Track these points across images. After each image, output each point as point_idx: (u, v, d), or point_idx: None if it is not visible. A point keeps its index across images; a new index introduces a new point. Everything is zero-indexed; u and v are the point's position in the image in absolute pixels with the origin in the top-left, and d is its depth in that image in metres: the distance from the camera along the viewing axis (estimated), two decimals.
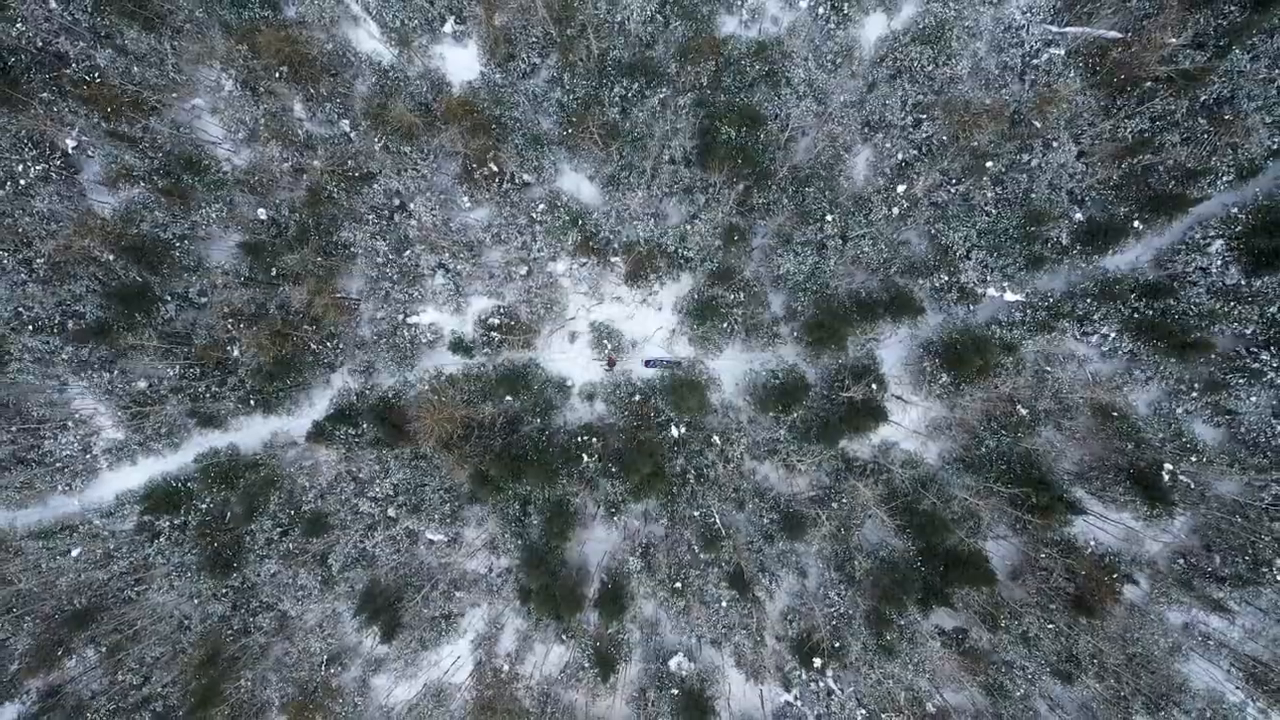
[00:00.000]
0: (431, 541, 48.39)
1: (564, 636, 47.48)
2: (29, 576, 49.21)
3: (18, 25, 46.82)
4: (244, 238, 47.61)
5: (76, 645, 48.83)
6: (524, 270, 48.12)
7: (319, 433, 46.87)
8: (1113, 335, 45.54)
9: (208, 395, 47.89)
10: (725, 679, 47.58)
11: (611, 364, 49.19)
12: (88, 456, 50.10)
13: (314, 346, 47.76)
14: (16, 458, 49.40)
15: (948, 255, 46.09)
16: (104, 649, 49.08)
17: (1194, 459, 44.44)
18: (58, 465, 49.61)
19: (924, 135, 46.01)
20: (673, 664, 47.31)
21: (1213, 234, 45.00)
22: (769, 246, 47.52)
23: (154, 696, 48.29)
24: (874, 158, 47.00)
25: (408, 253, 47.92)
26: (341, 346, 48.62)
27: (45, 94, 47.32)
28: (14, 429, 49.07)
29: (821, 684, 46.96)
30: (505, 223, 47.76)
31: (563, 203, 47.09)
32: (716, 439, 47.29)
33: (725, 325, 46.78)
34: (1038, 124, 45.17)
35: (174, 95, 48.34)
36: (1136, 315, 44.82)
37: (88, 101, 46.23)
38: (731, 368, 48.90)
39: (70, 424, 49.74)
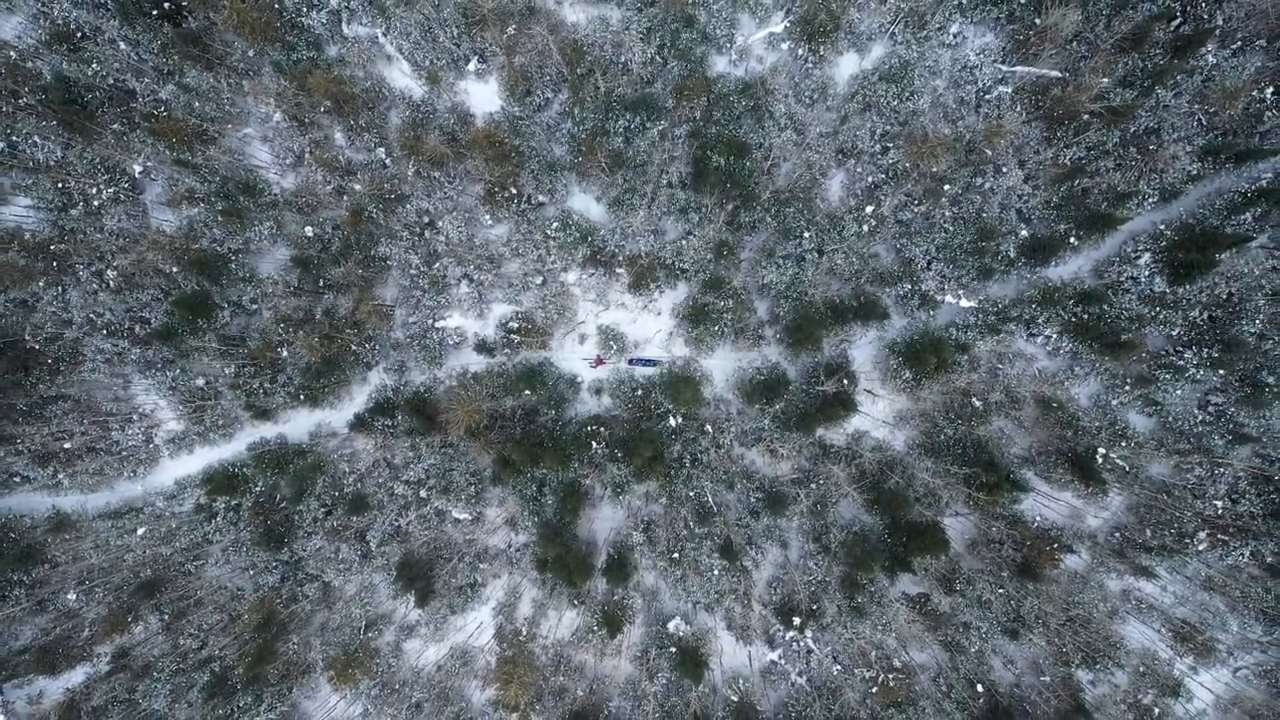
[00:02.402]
0: (458, 520, 54.66)
1: (575, 602, 53.75)
2: (98, 553, 55.35)
3: (93, 65, 53.10)
4: (294, 252, 53.91)
5: (143, 613, 54.98)
6: (539, 280, 54.47)
7: (359, 424, 53.22)
8: (1055, 336, 52.01)
9: (260, 391, 54.15)
10: (717, 639, 53.92)
11: (599, 363, 55.50)
12: (150, 446, 56.34)
13: (355, 348, 54.11)
14: (88, 447, 55.62)
15: (911, 267, 52.60)
16: (166, 617, 55.28)
17: (1124, 444, 50.89)
18: (124, 454, 55.83)
19: (890, 161, 52.45)
20: (671, 626, 53.64)
21: (1142, 248, 51.50)
22: (754, 259, 53.98)
23: (212, 658, 54.47)
24: (846, 181, 53.49)
25: (437, 265, 54.27)
26: (378, 347, 54.98)
27: (116, 125, 53.60)
28: (86, 422, 55.36)
29: (802, 643, 53.29)
30: (523, 238, 54.13)
31: (573, 221, 53.44)
32: (709, 428, 53.73)
33: (716, 328, 53.15)
34: (989, 152, 51.66)
35: (228, 125, 54.68)
36: (1075, 319, 51.29)
37: (155, 133, 52.45)
38: (722, 365, 55.33)
39: (135, 417, 56.01)
